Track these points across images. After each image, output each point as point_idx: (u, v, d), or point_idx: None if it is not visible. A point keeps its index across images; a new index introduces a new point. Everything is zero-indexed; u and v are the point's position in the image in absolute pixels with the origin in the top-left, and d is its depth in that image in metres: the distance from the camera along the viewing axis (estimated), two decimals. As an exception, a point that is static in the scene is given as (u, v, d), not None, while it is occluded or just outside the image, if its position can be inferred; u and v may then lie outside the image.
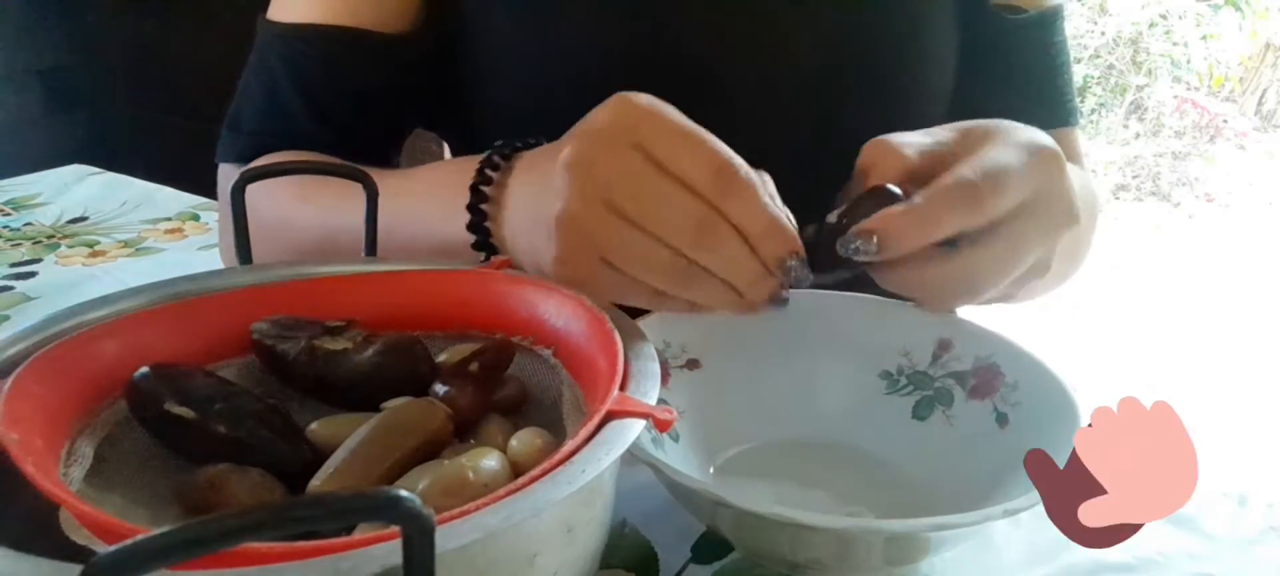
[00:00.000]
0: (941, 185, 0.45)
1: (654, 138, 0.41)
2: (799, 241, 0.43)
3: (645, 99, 0.43)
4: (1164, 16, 3.65)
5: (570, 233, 0.42)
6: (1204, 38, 3.69)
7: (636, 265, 0.42)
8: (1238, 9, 3.64)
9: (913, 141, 0.48)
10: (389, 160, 0.70)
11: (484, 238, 0.49)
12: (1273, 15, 3.70)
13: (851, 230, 0.45)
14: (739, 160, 0.42)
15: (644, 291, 0.44)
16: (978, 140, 0.48)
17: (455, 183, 0.50)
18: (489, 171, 0.49)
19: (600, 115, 0.43)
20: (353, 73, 0.64)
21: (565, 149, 0.43)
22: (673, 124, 0.42)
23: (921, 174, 0.47)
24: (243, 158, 0.65)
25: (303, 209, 0.59)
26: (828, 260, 0.46)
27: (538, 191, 0.45)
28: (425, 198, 0.54)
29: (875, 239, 0.44)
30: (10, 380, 0.32)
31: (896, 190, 0.46)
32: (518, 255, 0.48)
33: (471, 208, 0.49)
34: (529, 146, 0.51)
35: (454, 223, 0.50)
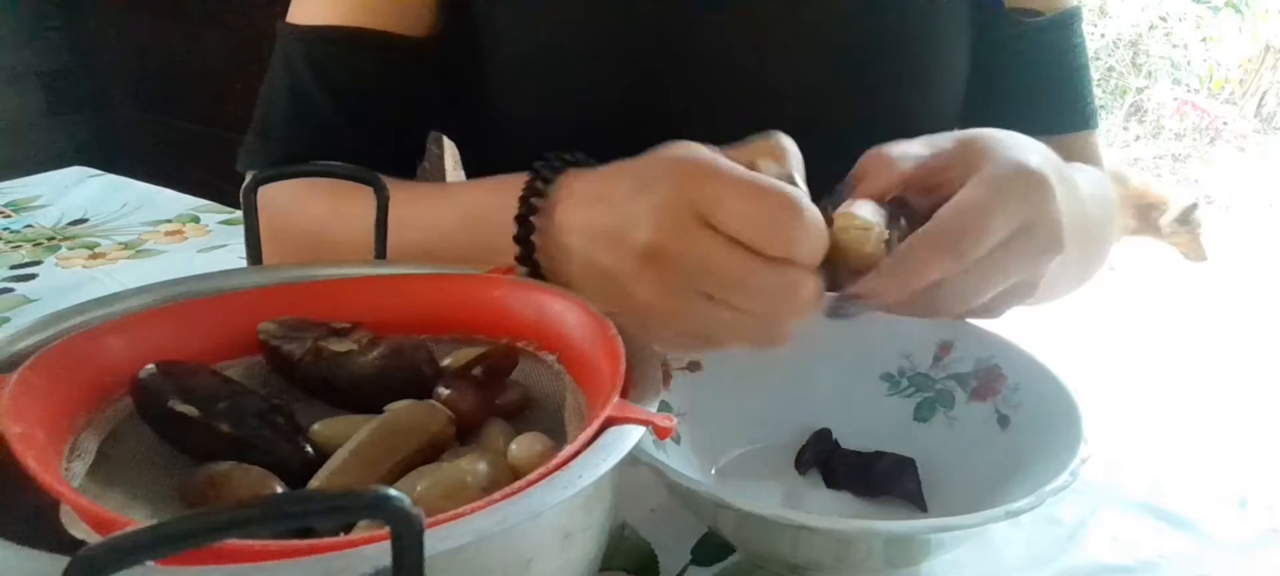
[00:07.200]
0: (920, 237, 0.45)
1: (720, 207, 0.41)
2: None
3: (692, 157, 0.43)
4: (1164, 19, 3.65)
5: (661, 324, 0.44)
6: (1204, 40, 3.69)
7: (730, 334, 0.44)
8: (1238, 11, 3.64)
9: (911, 153, 0.49)
10: (413, 162, 0.70)
11: (530, 254, 0.49)
12: (1273, 17, 3.70)
13: (842, 296, 0.47)
14: (793, 192, 0.42)
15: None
16: (973, 157, 0.48)
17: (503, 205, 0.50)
18: (539, 186, 0.49)
19: (658, 182, 0.43)
20: (379, 74, 0.64)
21: (637, 234, 0.43)
22: (731, 183, 0.42)
23: (918, 183, 0.48)
24: (273, 164, 0.63)
25: (342, 223, 0.59)
26: None
27: (598, 260, 0.45)
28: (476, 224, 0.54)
29: (866, 302, 0.46)
30: (16, 374, 0.32)
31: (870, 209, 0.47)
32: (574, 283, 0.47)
33: (521, 238, 0.49)
34: (576, 162, 0.50)
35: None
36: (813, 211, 0.42)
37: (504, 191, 0.50)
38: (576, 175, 0.49)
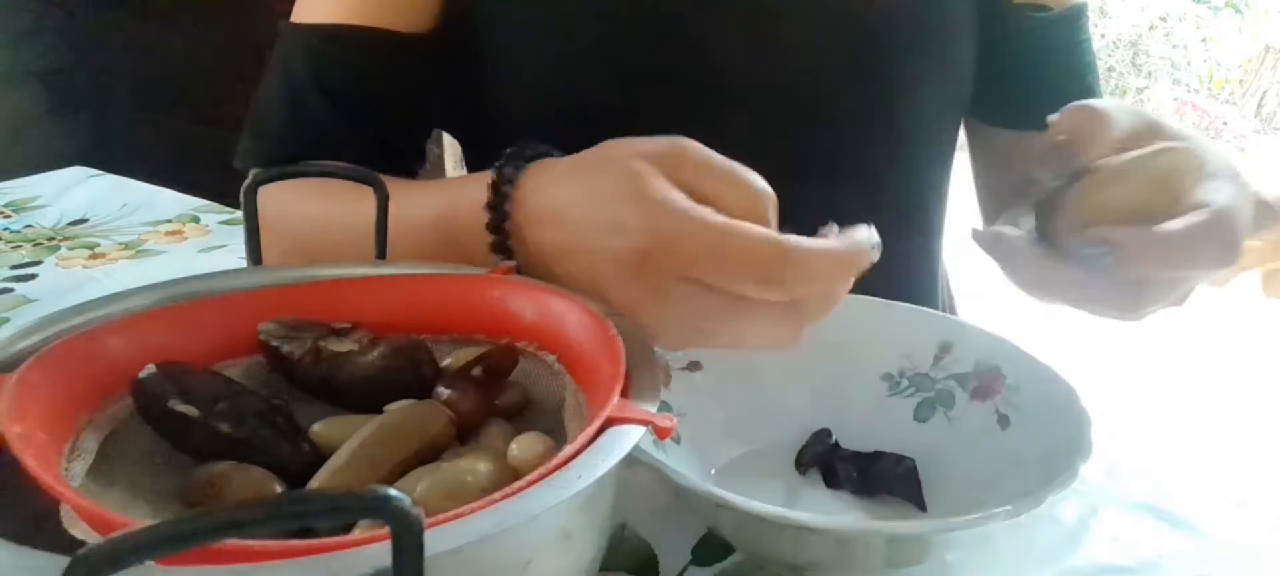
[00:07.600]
0: (1201, 223, 0.43)
1: (703, 273, 0.40)
2: (865, 256, 0.40)
3: (655, 212, 0.40)
4: (1164, 19, 3.66)
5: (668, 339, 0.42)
6: (1204, 40, 3.70)
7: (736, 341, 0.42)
8: (1238, 11, 3.65)
9: (1118, 118, 0.46)
10: (412, 162, 0.70)
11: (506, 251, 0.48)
12: (1273, 17, 3.70)
13: (1092, 233, 0.44)
14: (774, 237, 0.39)
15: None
16: (1179, 157, 0.46)
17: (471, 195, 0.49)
18: (504, 188, 0.48)
19: (635, 236, 0.41)
20: (378, 73, 0.63)
21: (627, 289, 0.41)
22: (706, 238, 0.39)
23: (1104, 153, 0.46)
24: (269, 163, 0.63)
25: (343, 217, 0.58)
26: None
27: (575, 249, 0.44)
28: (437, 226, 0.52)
29: (1114, 252, 0.43)
30: (16, 374, 0.32)
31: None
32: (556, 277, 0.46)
33: (498, 248, 0.48)
34: (537, 156, 0.49)
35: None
36: (799, 247, 0.39)
37: (471, 190, 0.49)
38: (532, 183, 0.47)
